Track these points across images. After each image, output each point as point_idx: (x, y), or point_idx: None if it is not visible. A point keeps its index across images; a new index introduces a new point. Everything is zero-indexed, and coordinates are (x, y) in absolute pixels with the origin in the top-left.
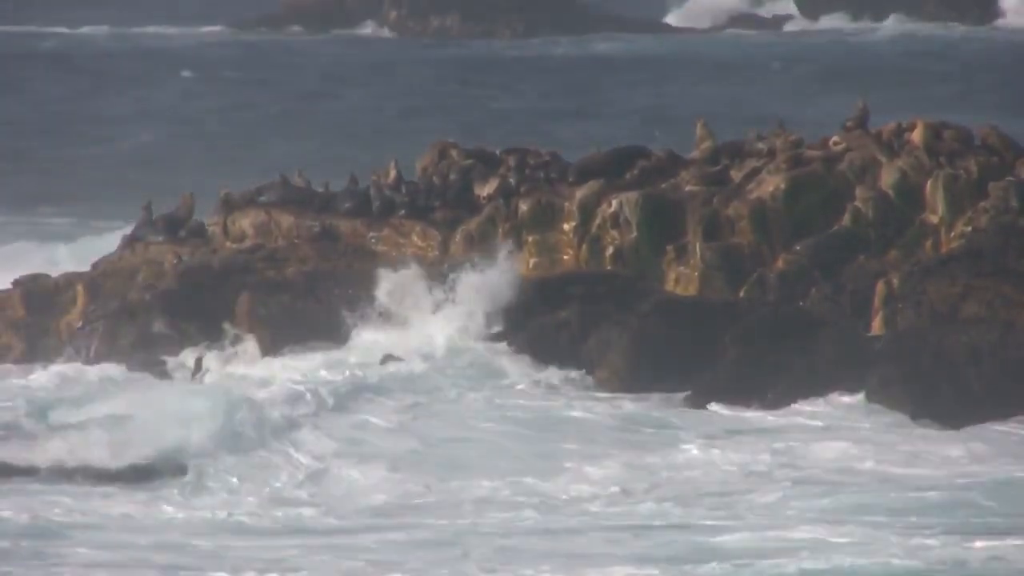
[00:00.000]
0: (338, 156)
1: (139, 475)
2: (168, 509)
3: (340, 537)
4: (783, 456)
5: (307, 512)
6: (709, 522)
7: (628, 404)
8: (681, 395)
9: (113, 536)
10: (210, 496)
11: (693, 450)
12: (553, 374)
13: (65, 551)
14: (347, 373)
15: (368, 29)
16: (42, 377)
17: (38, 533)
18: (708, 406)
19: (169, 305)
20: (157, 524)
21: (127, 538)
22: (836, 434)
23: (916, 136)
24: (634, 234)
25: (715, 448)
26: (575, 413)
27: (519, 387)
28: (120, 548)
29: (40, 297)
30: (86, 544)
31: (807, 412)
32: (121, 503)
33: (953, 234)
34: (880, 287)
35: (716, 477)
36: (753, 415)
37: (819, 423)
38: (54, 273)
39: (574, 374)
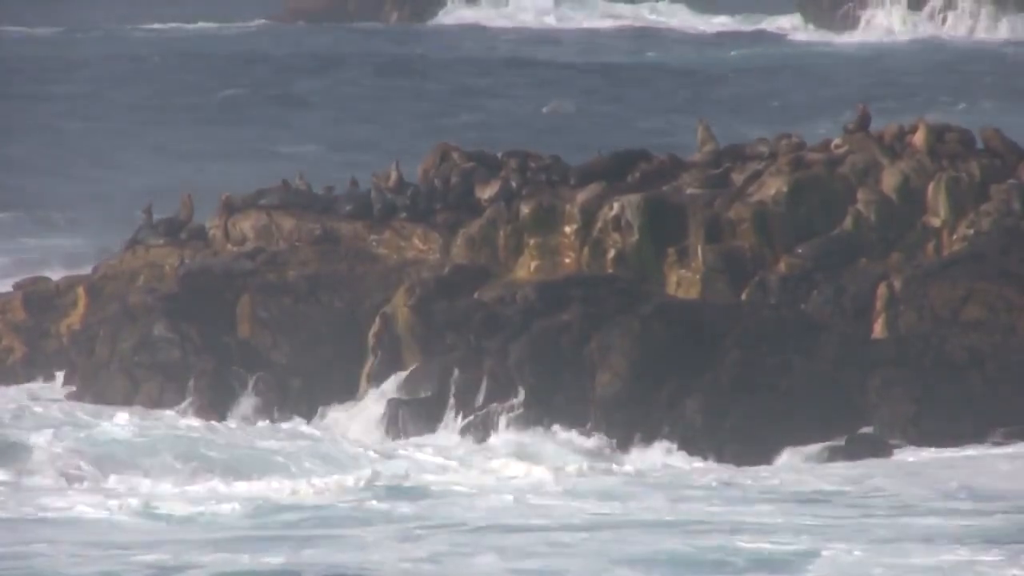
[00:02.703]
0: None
1: None
2: None
3: None
4: None
5: None
6: None
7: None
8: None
9: None
10: None
11: None
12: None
13: None
14: None
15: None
16: None
17: None
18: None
19: (170, 308)
20: None
21: None
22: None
23: (918, 139)
24: (635, 237)
25: None
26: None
27: None
28: None
29: (41, 300)
30: None
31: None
32: None
33: (955, 237)
34: (882, 290)
35: None
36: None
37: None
38: (55, 276)
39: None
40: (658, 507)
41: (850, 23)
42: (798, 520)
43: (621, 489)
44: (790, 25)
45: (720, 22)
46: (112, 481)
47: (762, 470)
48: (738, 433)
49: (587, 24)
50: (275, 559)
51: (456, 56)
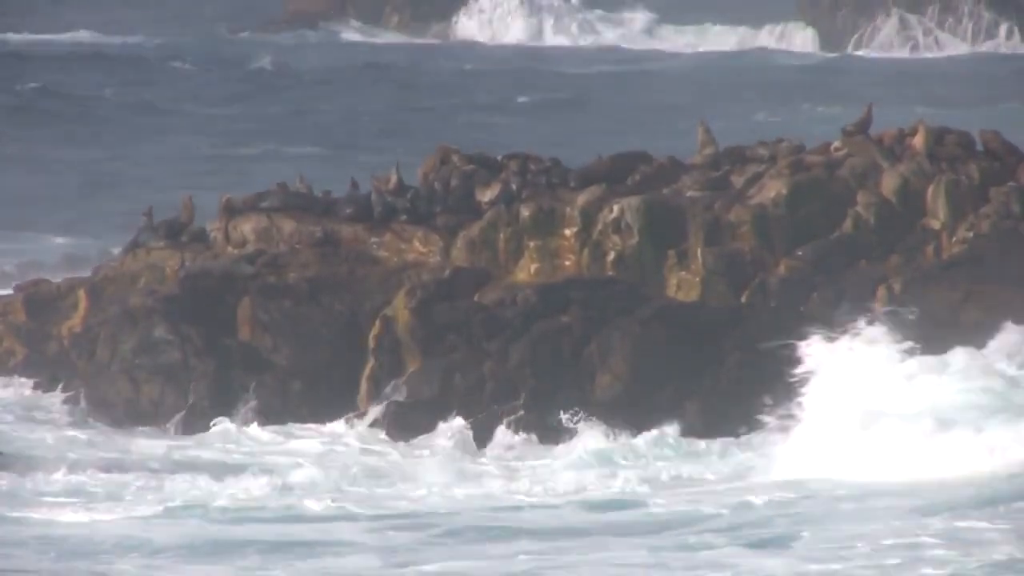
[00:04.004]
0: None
1: None
2: None
3: None
4: None
5: None
6: None
7: None
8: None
9: None
10: None
11: None
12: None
13: None
14: None
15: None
16: None
17: None
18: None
19: (171, 310)
20: None
21: None
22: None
23: (918, 141)
24: (635, 239)
25: None
26: None
27: None
28: None
29: (42, 302)
30: None
31: None
32: None
33: (955, 239)
34: (881, 292)
35: None
36: None
37: None
38: (55, 278)
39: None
40: (660, 504)
41: (850, 29)
42: (792, 510)
43: (623, 489)
44: (797, 35)
45: (715, 32)
46: (101, 484)
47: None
48: (738, 434)
49: (568, 43)
50: (271, 566)
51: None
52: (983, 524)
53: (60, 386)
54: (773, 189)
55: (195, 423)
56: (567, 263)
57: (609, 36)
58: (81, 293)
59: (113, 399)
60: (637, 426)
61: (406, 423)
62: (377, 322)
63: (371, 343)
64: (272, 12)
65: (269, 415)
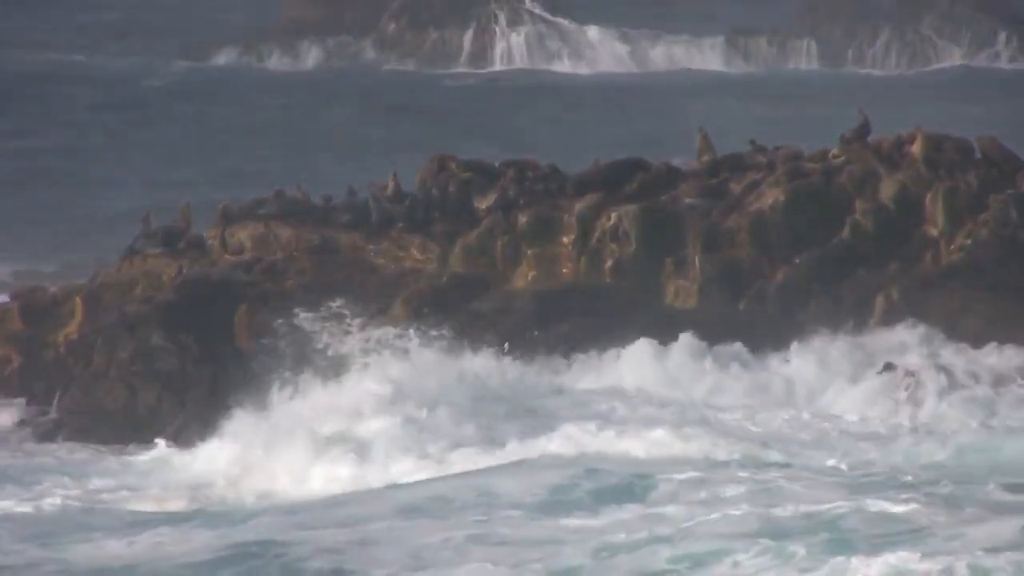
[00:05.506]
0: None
1: None
2: None
3: None
4: None
5: None
6: None
7: None
8: None
9: None
10: None
11: None
12: None
13: None
14: None
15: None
16: None
17: None
18: None
19: (168, 317)
20: None
21: None
22: None
23: (916, 149)
24: (633, 247)
25: None
26: None
27: None
28: None
29: (38, 310)
30: None
31: None
32: None
33: (953, 247)
34: (880, 300)
35: None
36: None
37: None
38: (52, 286)
39: None
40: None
41: (849, 38)
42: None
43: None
44: (794, 45)
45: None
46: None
47: None
48: None
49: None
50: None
51: None
52: None
53: (55, 399)
54: (771, 196)
55: (191, 429)
56: (565, 270)
57: (609, 51)
58: (78, 300)
59: (110, 406)
60: None
61: None
62: None
63: None
64: (271, 20)
65: None
